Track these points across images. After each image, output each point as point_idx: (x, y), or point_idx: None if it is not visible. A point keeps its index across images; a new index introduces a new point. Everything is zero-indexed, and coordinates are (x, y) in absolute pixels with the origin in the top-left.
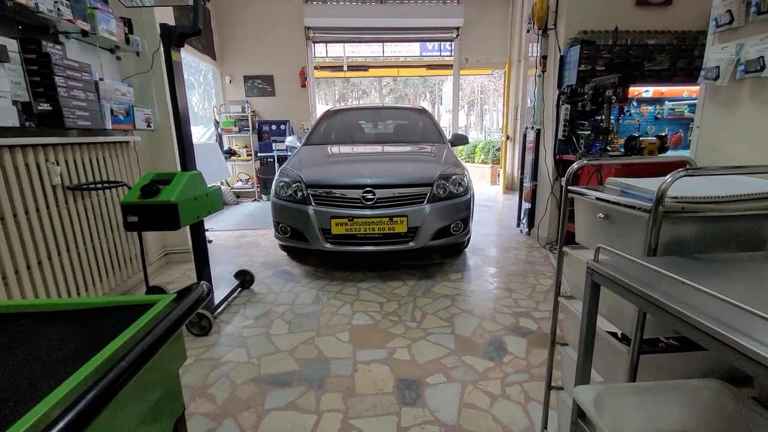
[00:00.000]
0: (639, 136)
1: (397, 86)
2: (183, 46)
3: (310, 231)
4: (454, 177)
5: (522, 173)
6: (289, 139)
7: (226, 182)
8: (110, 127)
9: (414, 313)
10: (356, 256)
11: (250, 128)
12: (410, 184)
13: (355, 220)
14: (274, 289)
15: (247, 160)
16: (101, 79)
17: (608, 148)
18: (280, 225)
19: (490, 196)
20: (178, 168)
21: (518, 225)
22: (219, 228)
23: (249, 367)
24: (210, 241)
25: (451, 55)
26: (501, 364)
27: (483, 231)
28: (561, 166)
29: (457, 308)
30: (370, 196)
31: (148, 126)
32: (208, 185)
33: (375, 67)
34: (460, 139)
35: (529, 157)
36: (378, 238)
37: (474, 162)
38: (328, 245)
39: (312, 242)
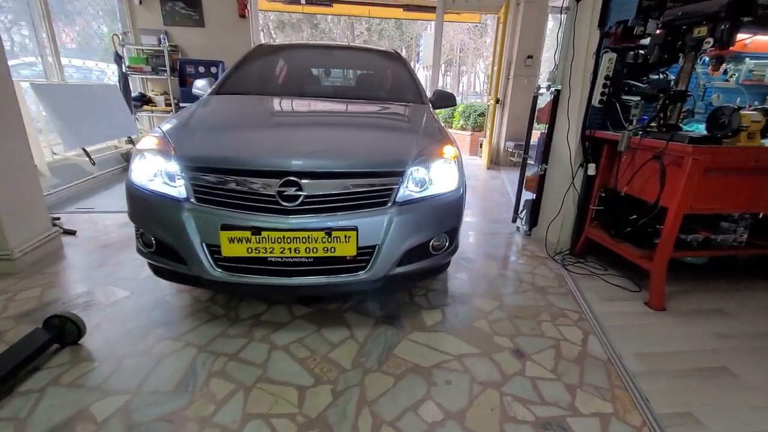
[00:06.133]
0: (738, 108)
1: (370, 37)
2: None
3: (186, 247)
4: (438, 160)
5: (526, 151)
6: (199, 84)
7: (131, 140)
8: None
9: (358, 423)
10: (270, 290)
11: (168, 68)
12: (367, 172)
13: (265, 234)
14: (121, 346)
15: (168, 111)
16: None
17: (677, 124)
18: (141, 231)
19: (472, 171)
20: None
21: (514, 220)
22: (102, 209)
23: None
24: (72, 233)
25: None
26: None
27: (467, 223)
28: (591, 146)
29: (435, 407)
30: (292, 191)
31: None
32: (108, 141)
33: (341, 2)
34: (444, 99)
35: (539, 129)
36: (306, 263)
37: (452, 128)
38: (218, 273)
39: (190, 265)
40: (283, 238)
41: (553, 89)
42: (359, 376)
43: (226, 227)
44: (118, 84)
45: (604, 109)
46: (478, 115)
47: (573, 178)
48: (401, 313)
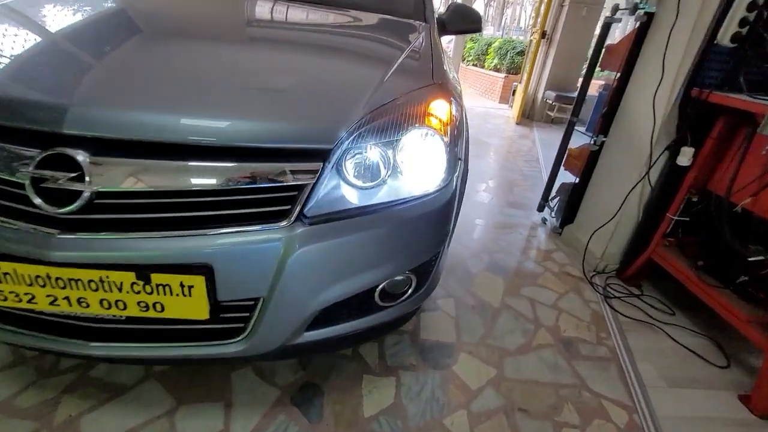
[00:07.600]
0: None
1: None
2: None
3: None
4: (413, 130)
5: (575, 112)
6: None
7: None
8: None
9: None
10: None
11: None
12: (239, 147)
13: (8, 267)
14: None
15: None
16: None
17: None
18: None
19: (497, 125)
20: None
21: (541, 208)
22: None
23: None
24: None
25: None
26: None
27: (476, 205)
28: (695, 116)
29: None
30: (63, 181)
31: None
32: None
33: None
34: (464, 19)
35: (603, 78)
36: (116, 321)
37: (484, 67)
38: None
39: None
40: (49, 278)
41: (641, 12)
42: None
43: None
44: None
45: (738, 54)
46: (517, 54)
47: (649, 166)
48: (329, 381)
